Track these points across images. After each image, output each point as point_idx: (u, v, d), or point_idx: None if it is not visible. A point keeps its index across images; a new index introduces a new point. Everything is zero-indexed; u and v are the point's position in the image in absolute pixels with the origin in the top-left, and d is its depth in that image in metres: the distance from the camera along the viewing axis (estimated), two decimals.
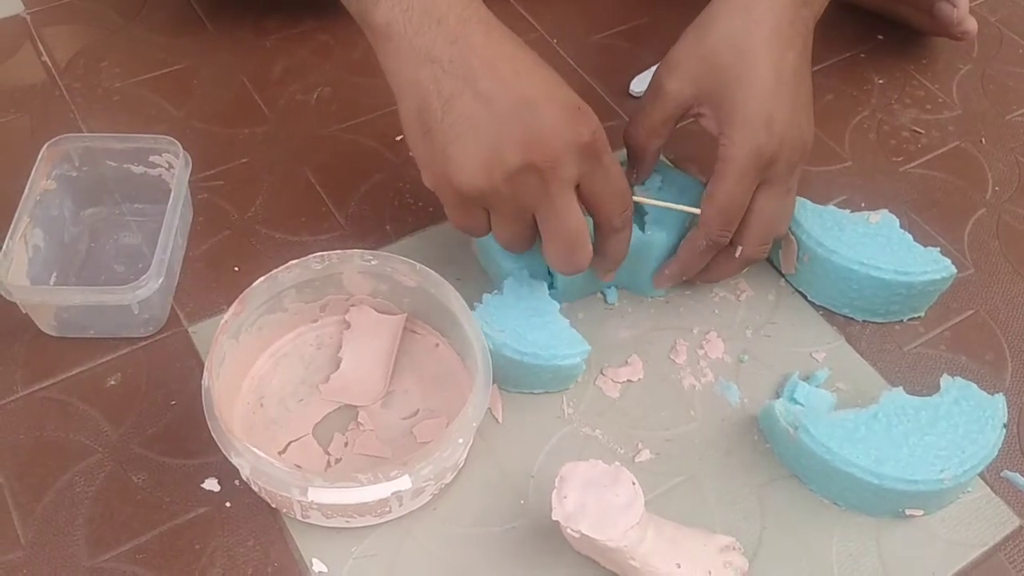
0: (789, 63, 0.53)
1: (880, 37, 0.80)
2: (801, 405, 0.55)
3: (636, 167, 0.58)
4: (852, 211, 0.61)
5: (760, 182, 0.54)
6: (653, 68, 0.74)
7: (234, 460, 0.47)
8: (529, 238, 0.52)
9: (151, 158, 0.60)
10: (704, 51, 0.54)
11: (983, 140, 0.73)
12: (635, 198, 0.54)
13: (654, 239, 0.58)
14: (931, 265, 0.57)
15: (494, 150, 0.47)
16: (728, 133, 0.53)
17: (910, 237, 0.59)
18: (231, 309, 0.51)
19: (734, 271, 0.59)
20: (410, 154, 0.68)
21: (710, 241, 0.55)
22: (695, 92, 0.54)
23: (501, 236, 0.52)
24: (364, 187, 0.66)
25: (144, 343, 0.57)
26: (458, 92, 0.47)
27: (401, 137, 0.69)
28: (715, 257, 0.57)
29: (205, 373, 0.49)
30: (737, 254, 0.57)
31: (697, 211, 0.55)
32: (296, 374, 0.56)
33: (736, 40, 0.53)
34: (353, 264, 0.55)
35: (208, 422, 0.48)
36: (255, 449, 0.46)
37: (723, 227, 0.55)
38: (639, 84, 0.74)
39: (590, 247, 0.51)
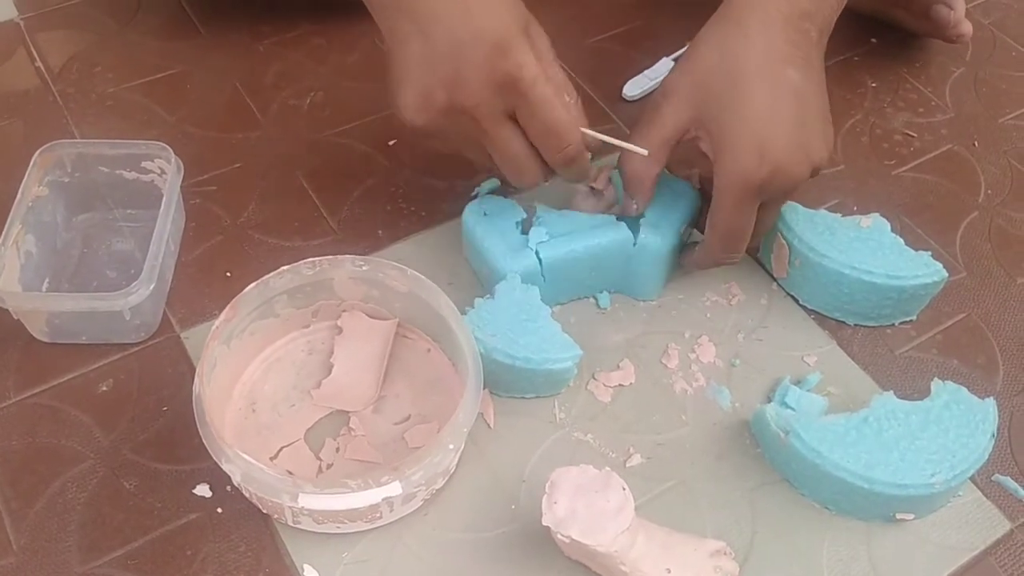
0: (788, 82, 0.52)
1: (873, 40, 0.80)
2: (792, 409, 0.55)
3: (635, 194, 0.57)
4: (844, 215, 0.61)
5: (762, 201, 0.54)
6: (646, 72, 0.76)
7: (225, 466, 0.47)
8: (489, 161, 0.55)
9: (143, 164, 0.61)
10: (698, 76, 0.54)
11: (976, 143, 0.73)
12: (584, 131, 0.55)
13: (648, 243, 0.58)
14: (922, 269, 0.58)
15: (427, 90, 0.51)
16: (720, 161, 0.53)
17: (901, 241, 0.59)
18: (223, 315, 0.51)
19: (707, 266, 0.60)
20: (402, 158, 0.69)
21: (716, 261, 0.58)
22: (691, 117, 0.54)
23: (467, 156, 0.56)
24: (357, 192, 0.67)
25: (136, 349, 0.57)
26: (410, 34, 0.51)
27: (394, 142, 0.70)
28: (688, 250, 0.60)
29: (196, 379, 0.49)
30: (701, 252, 0.59)
31: (643, 151, 0.56)
32: (288, 379, 0.56)
33: (728, 64, 0.52)
34: (344, 269, 0.55)
35: (199, 428, 0.48)
36: (246, 456, 0.46)
37: (727, 251, 0.56)
38: (633, 88, 0.75)
39: (535, 167, 0.55)
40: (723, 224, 0.54)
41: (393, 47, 0.53)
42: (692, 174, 0.61)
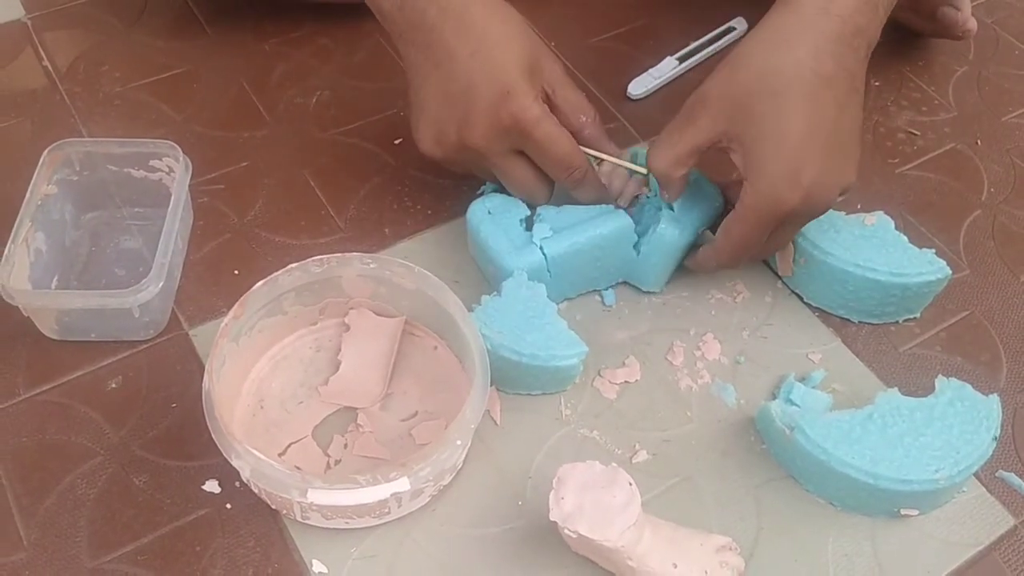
0: (828, 106, 0.51)
1: None
2: (797, 406, 0.55)
3: (665, 189, 0.58)
4: (848, 213, 0.61)
5: (778, 224, 0.54)
6: (651, 71, 0.76)
7: (234, 462, 0.48)
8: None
9: (151, 162, 0.61)
10: (738, 90, 0.53)
11: (979, 142, 0.73)
12: (586, 151, 0.58)
13: (665, 234, 0.58)
14: (926, 266, 0.58)
15: (440, 129, 0.56)
16: (752, 181, 0.52)
17: (905, 239, 0.59)
18: (231, 312, 0.52)
19: (713, 270, 0.61)
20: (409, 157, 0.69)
21: (719, 267, 0.58)
22: (725, 129, 0.53)
23: (486, 179, 0.61)
24: (363, 190, 0.67)
25: (145, 346, 0.58)
26: (428, 71, 0.56)
27: (400, 140, 0.70)
28: (699, 253, 0.60)
29: (205, 376, 0.50)
30: (709, 255, 0.59)
31: (643, 170, 0.59)
32: (296, 376, 0.56)
33: (771, 82, 0.51)
34: (352, 267, 0.55)
35: (208, 424, 0.48)
36: (255, 451, 0.47)
37: (734, 261, 0.57)
38: (637, 87, 0.75)
39: (544, 189, 0.59)
40: (740, 237, 0.54)
41: (412, 78, 0.58)
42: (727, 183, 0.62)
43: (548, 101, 0.58)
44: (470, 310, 0.54)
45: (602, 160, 0.61)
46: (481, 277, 0.62)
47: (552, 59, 0.59)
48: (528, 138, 0.55)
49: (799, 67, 0.51)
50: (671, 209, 0.59)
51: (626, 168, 0.61)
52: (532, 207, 0.60)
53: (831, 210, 0.60)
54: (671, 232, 0.58)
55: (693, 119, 0.54)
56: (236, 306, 0.52)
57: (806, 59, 0.51)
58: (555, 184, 0.59)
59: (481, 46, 0.55)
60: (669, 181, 0.57)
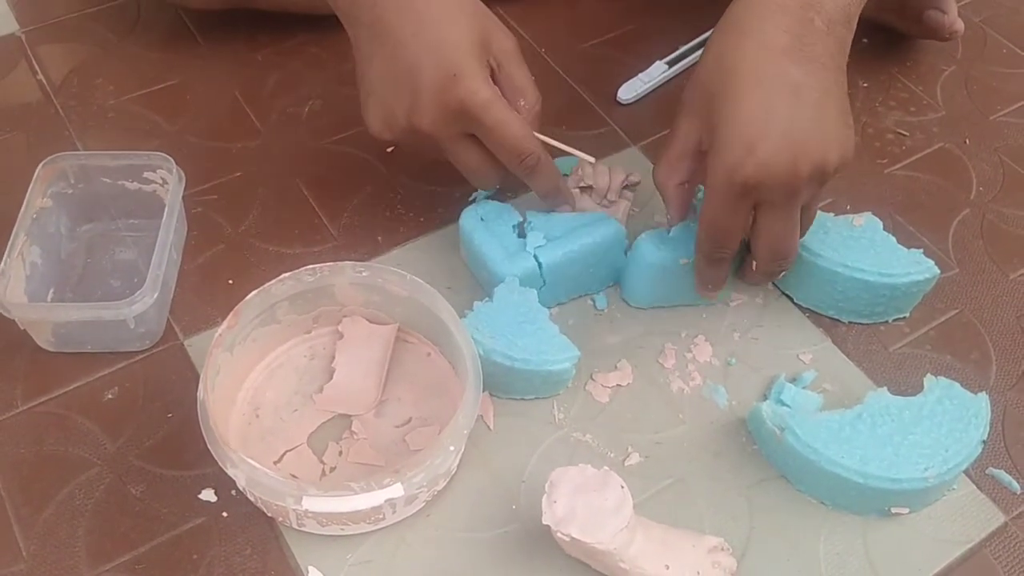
0: (784, 77, 0.50)
1: (864, 40, 0.81)
2: (788, 407, 0.55)
3: (667, 205, 0.57)
4: (837, 214, 0.61)
5: (757, 202, 0.52)
6: (640, 75, 0.76)
7: (230, 471, 0.48)
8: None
9: (145, 174, 0.61)
10: (699, 78, 0.53)
11: (967, 141, 0.73)
12: (541, 137, 0.57)
13: (640, 247, 0.59)
14: (914, 266, 0.58)
15: (389, 111, 0.55)
16: (709, 159, 0.52)
17: (893, 239, 0.60)
18: (225, 322, 0.52)
19: (761, 280, 0.61)
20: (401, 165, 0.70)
21: (707, 259, 0.56)
22: (699, 125, 0.53)
23: (440, 161, 0.58)
24: (356, 199, 0.67)
25: (141, 357, 0.58)
26: (373, 52, 0.55)
27: (392, 149, 0.71)
28: (743, 266, 0.59)
29: (200, 386, 0.50)
30: (754, 267, 0.57)
31: (590, 158, 0.59)
32: (290, 385, 0.57)
33: (723, 60, 0.51)
34: (345, 276, 0.55)
35: (204, 434, 0.49)
36: (250, 460, 0.47)
37: (714, 247, 0.54)
38: (627, 92, 0.75)
39: (493, 174, 0.58)
40: (708, 219, 0.53)
41: (359, 61, 0.56)
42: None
43: (492, 77, 0.57)
44: (463, 316, 0.55)
45: (588, 163, 0.61)
46: (474, 283, 0.62)
47: (503, 33, 0.57)
48: (477, 123, 0.54)
49: (748, 44, 0.51)
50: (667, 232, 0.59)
51: (576, 156, 0.59)
52: (523, 213, 0.60)
53: (819, 212, 0.61)
54: (647, 248, 0.58)
55: (673, 127, 0.55)
56: (230, 316, 0.53)
57: (754, 36, 0.51)
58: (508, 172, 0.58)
59: (424, 24, 0.53)
60: (664, 191, 0.56)
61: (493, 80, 0.56)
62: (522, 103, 0.58)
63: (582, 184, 0.63)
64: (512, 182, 0.60)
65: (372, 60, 0.55)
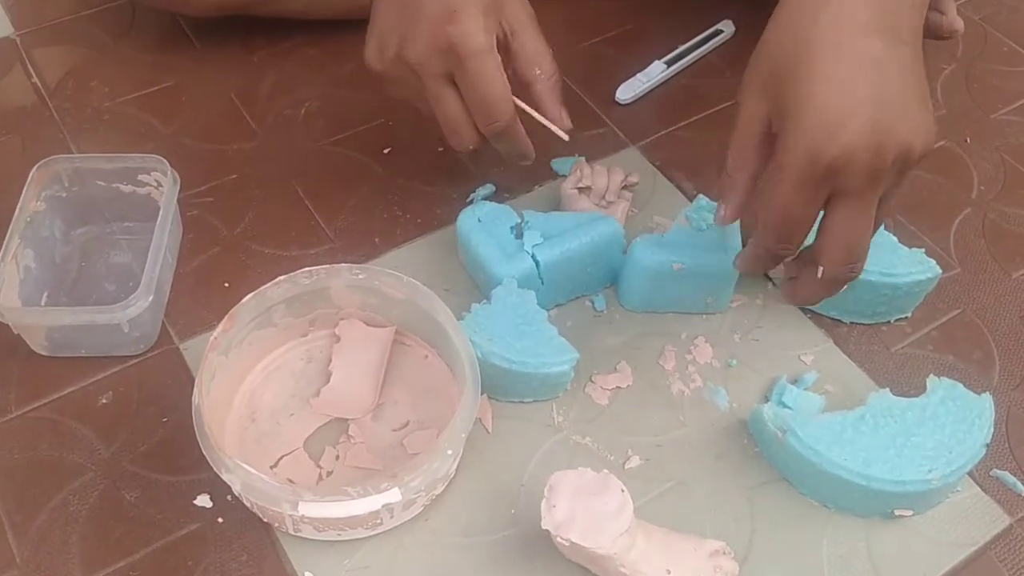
0: (868, 53, 0.45)
1: None
2: (790, 408, 0.55)
3: (726, 199, 0.52)
4: None
5: (832, 193, 0.47)
6: (639, 75, 0.76)
7: (225, 476, 0.47)
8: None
9: (139, 177, 0.61)
10: (766, 54, 0.48)
11: (968, 139, 0.73)
12: (517, 101, 0.56)
13: (635, 251, 0.58)
14: (916, 266, 0.58)
15: (384, 40, 0.55)
16: (782, 140, 0.47)
17: (895, 238, 0.59)
18: (220, 326, 0.52)
19: (823, 293, 0.52)
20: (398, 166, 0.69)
21: (767, 252, 0.51)
22: (767, 105, 0.48)
23: (419, 108, 0.58)
24: (353, 200, 0.67)
25: (135, 361, 0.58)
26: None
27: (389, 150, 0.70)
28: (801, 276, 0.53)
29: (195, 390, 0.50)
30: (819, 275, 0.50)
31: (564, 136, 0.58)
32: (287, 388, 0.56)
33: (795, 33, 0.47)
34: (341, 278, 0.55)
35: (199, 439, 0.48)
36: (245, 465, 0.46)
37: (779, 241, 0.49)
38: (625, 91, 0.75)
39: (467, 131, 0.56)
40: (779, 206, 0.47)
41: (374, 2, 0.56)
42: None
43: (504, 44, 0.56)
44: (460, 318, 0.54)
45: (587, 165, 0.61)
46: (472, 285, 0.62)
47: (520, 1, 0.57)
48: (460, 67, 0.53)
49: (826, 16, 0.46)
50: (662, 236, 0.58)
51: (551, 129, 0.58)
52: (521, 214, 0.60)
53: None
54: (643, 252, 0.57)
55: (738, 113, 0.50)
56: (225, 319, 0.52)
57: (833, 7, 0.46)
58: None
59: None
60: (733, 184, 0.51)
61: (505, 46, 0.56)
62: (537, 72, 0.57)
63: (580, 185, 0.63)
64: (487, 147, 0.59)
65: None
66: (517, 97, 0.56)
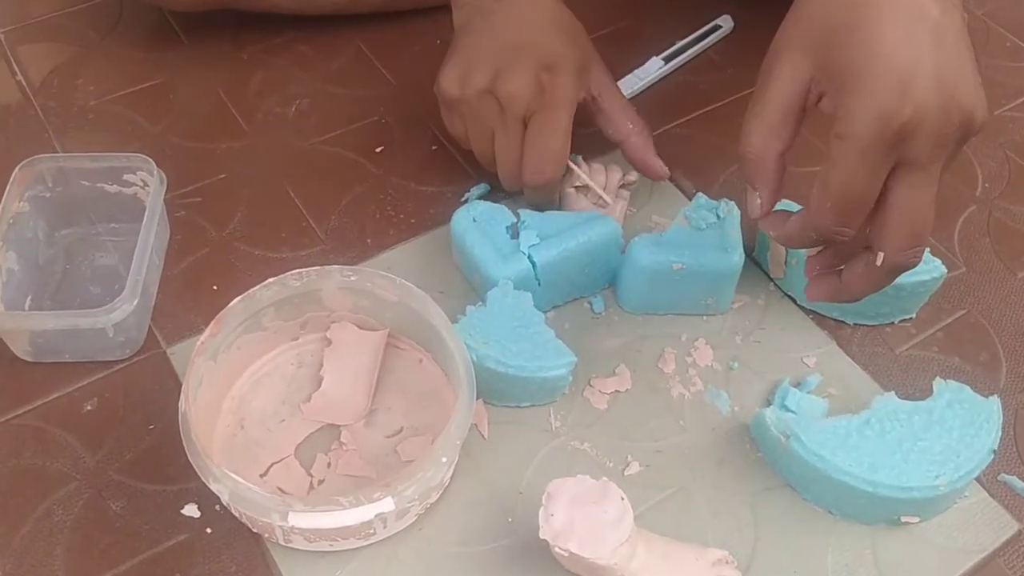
0: (928, 16, 0.43)
1: None
2: (793, 412, 0.54)
3: (759, 185, 0.49)
4: None
5: (895, 164, 0.44)
6: (636, 71, 0.75)
7: (212, 486, 0.46)
8: (490, 155, 0.60)
9: (125, 176, 0.59)
10: (813, 18, 0.45)
11: None
12: (570, 163, 0.60)
13: (633, 250, 0.57)
14: (920, 266, 0.56)
15: (470, 70, 0.56)
16: (847, 104, 0.43)
17: None
18: (207, 330, 0.50)
19: (880, 282, 0.49)
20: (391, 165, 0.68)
21: (822, 235, 0.47)
22: (812, 68, 0.45)
23: (472, 143, 0.60)
24: (345, 200, 0.65)
25: (121, 366, 0.56)
26: (478, 28, 0.58)
27: (381, 148, 0.69)
28: (853, 266, 0.49)
29: (182, 397, 0.48)
30: (878, 261, 0.47)
31: (609, 200, 0.61)
32: (277, 394, 0.55)
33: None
34: (332, 280, 0.53)
35: (185, 447, 0.47)
36: (233, 475, 0.45)
37: (839, 220, 0.45)
38: (623, 88, 0.73)
39: (513, 170, 0.59)
40: (841, 180, 0.44)
41: (460, 36, 0.59)
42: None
43: (593, 104, 0.60)
44: (455, 321, 0.53)
45: (583, 163, 0.61)
46: (468, 287, 0.61)
47: (603, 67, 0.61)
48: (541, 113, 0.56)
49: None
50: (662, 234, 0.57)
51: (599, 193, 0.61)
52: (517, 213, 0.59)
53: None
54: (641, 253, 0.56)
55: (772, 76, 0.46)
56: (212, 324, 0.51)
57: None
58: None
59: (541, 26, 0.57)
60: (763, 164, 0.47)
61: (595, 106, 0.60)
62: (631, 126, 0.61)
63: (578, 184, 0.61)
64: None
65: (476, 35, 0.58)
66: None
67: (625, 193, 0.64)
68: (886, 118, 0.42)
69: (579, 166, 0.62)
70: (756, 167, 0.48)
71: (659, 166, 0.62)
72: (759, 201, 0.49)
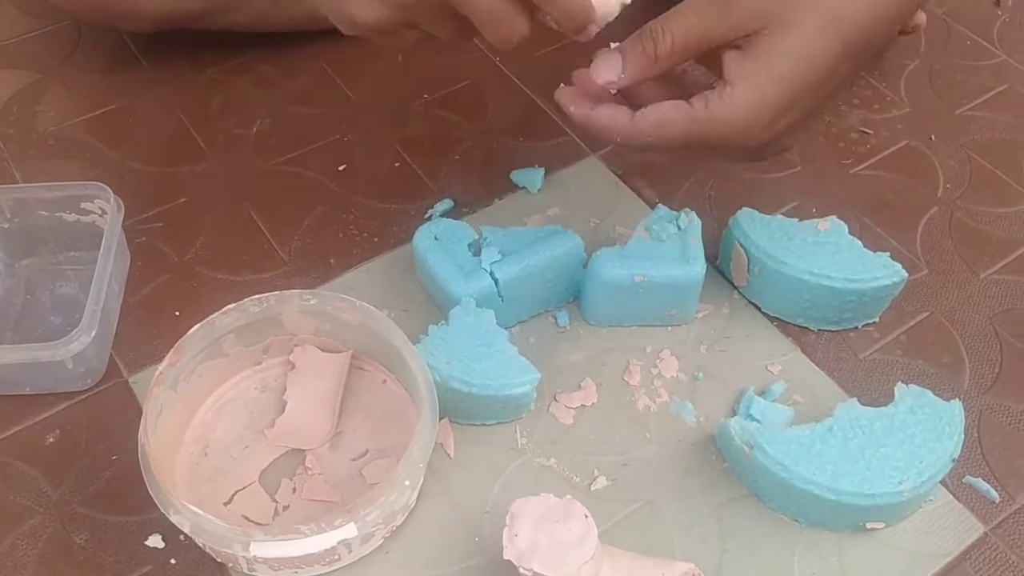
0: (844, 63, 0.47)
1: None
2: (758, 421, 0.54)
3: (630, 58, 0.51)
4: (803, 218, 0.60)
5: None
6: None
7: (173, 518, 0.46)
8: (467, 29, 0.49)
9: (83, 205, 0.59)
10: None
11: (932, 137, 0.72)
12: None
13: (596, 263, 0.56)
14: (881, 270, 0.57)
15: None
16: (731, 95, 0.46)
17: (859, 243, 0.58)
18: (166, 359, 0.50)
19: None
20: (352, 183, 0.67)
21: (623, 139, 0.50)
22: (755, 27, 0.46)
23: (441, 35, 0.50)
24: (307, 220, 0.65)
25: (83, 397, 0.56)
26: None
27: (344, 167, 0.68)
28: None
29: (141, 428, 0.48)
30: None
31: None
32: (240, 420, 0.55)
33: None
34: (292, 304, 0.53)
35: (145, 480, 0.47)
36: (192, 506, 0.45)
37: (635, 148, 0.49)
38: None
39: (517, 20, 0.48)
40: (670, 137, 0.48)
41: None
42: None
43: None
44: (418, 341, 0.53)
45: None
46: (432, 305, 0.60)
47: None
48: None
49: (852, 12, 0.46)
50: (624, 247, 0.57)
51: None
52: (479, 230, 0.58)
53: (783, 217, 0.59)
54: (604, 266, 0.56)
55: (725, 6, 0.47)
56: (171, 352, 0.50)
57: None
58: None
59: None
60: (648, 61, 0.50)
61: None
62: None
63: None
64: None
65: None
66: None
67: None
68: (744, 135, 0.47)
69: None
70: (639, 46, 0.50)
71: None
72: (620, 62, 0.51)
